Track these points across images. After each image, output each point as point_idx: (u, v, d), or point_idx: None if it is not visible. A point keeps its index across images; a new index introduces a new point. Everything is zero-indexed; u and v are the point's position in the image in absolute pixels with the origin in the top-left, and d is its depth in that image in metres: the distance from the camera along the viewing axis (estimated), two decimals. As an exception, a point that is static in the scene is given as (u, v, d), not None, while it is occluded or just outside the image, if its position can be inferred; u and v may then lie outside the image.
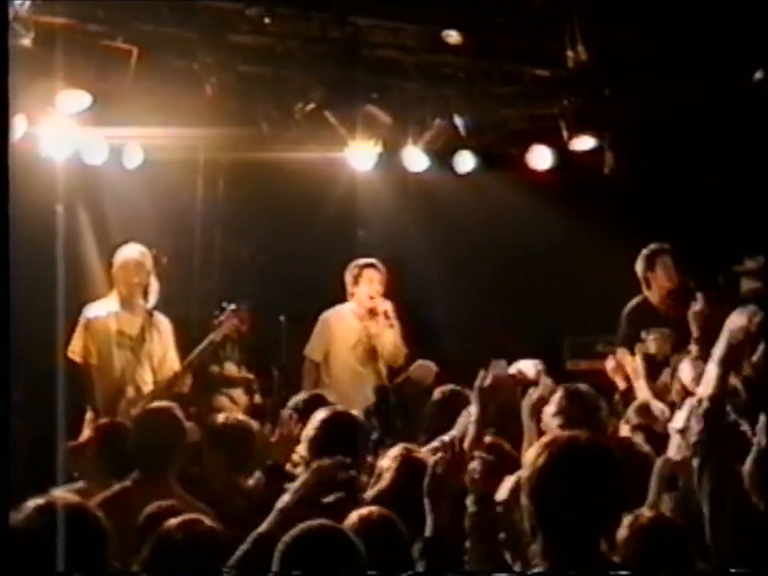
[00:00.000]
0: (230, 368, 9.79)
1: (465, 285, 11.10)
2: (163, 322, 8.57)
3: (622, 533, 4.37)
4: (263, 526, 4.55)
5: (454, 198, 10.55)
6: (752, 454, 5.05)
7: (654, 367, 8.53)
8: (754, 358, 6.53)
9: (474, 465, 4.64)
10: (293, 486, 4.75)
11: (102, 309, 8.51)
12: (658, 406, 6.92)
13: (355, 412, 6.73)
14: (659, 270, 8.86)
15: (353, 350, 9.16)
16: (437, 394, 7.18)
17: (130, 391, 8.32)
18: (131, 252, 8.52)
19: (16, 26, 7.51)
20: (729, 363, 4.77)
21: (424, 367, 8.70)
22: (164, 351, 8.51)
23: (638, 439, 6.44)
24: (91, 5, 7.97)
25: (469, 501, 4.55)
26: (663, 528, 4.39)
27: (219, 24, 8.37)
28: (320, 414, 5.75)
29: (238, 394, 9.62)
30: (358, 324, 9.20)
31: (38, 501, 3.68)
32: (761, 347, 5.90)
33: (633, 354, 8.72)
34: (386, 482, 5.47)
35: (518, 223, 10.47)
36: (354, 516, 4.46)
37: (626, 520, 4.44)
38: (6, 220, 4.18)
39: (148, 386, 8.40)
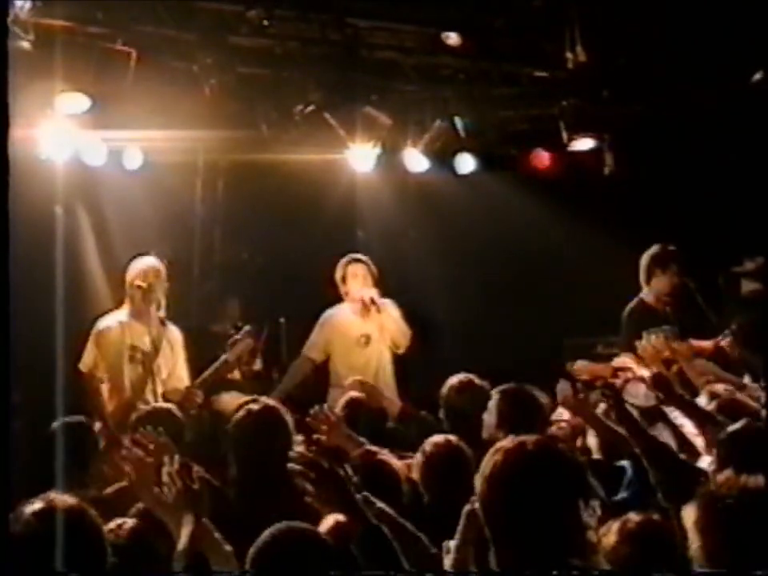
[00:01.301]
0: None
1: (464, 286, 11.08)
2: (174, 333, 8.45)
3: (611, 538, 4.36)
4: None
5: (453, 199, 10.59)
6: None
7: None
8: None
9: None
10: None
11: (114, 321, 8.33)
12: None
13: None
14: (665, 273, 8.86)
15: (357, 345, 9.17)
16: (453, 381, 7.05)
17: (141, 404, 8.05)
18: (149, 261, 8.38)
19: (16, 28, 7.51)
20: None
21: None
22: (174, 363, 8.39)
23: None
24: (90, 7, 7.96)
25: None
26: (652, 531, 4.36)
27: (219, 26, 8.39)
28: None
29: (237, 395, 9.60)
30: (358, 319, 9.20)
31: (36, 504, 3.69)
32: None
33: (636, 356, 8.74)
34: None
35: (518, 224, 10.48)
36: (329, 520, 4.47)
37: (615, 525, 4.43)
38: (6, 220, 4.15)
39: (159, 399, 8.21)
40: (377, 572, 4.05)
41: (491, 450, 3.62)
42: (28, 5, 7.52)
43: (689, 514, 3.68)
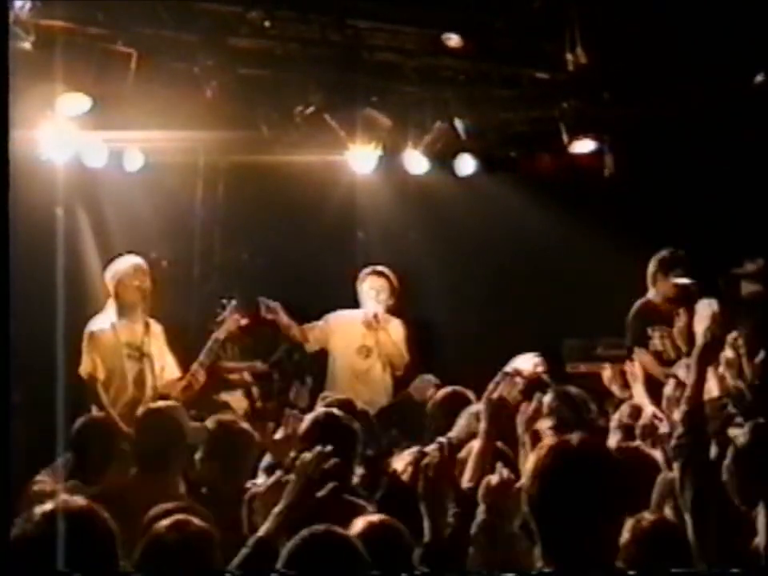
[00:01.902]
0: (233, 368, 9.81)
1: (465, 287, 11.14)
2: (156, 327, 8.54)
3: (624, 536, 4.30)
4: (262, 530, 4.55)
5: (454, 200, 10.61)
6: (730, 453, 5.02)
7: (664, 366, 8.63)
8: (756, 360, 6.58)
9: (491, 477, 4.65)
10: (287, 488, 4.74)
11: (105, 322, 8.41)
12: (650, 410, 6.96)
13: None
14: (669, 277, 8.93)
15: (358, 354, 9.29)
16: (439, 394, 7.22)
17: (144, 400, 8.20)
18: (132, 259, 8.48)
19: (16, 29, 7.51)
20: (705, 362, 4.80)
21: (424, 383, 8.74)
22: (162, 356, 8.49)
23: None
24: (91, 8, 7.96)
25: (479, 510, 4.56)
26: (665, 531, 4.37)
27: (219, 27, 8.39)
28: (312, 414, 5.89)
29: (239, 396, 9.65)
30: (363, 330, 9.30)
31: (47, 505, 3.68)
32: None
33: (647, 350, 8.84)
34: (400, 482, 5.58)
35: (518, 225, 10.51)
36: (359, 522, 4.45)
37: (628, 524, 4.40)
38: (6, 221, 4.13)
39: (156, 393, 8.33)
40: (384, 572, 4.04)
41: (539, 447, 3.72)
42: (28, 6, 7.51)
43: None
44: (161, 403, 7.06)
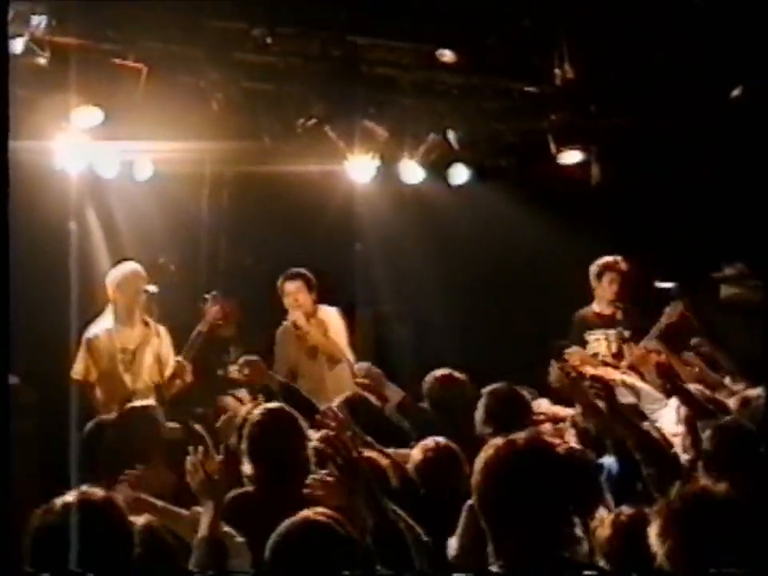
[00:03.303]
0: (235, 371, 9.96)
1: (458, 292, 11.16)
2: (162, 330, 8.59)
3: (605, 531, 4.52)
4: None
5: (448, 208, 10.65)
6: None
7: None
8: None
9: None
10: None
11: (101, 328, 8.44)
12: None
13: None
14: (601, 281, 9.29)
15: (308, 359, 9.18)
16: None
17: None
18: (130, 265, 8.53)
19: (32, 45, 7.68)
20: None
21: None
22: (167, 355, 8.53)
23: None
24: (103, 25, 8.06)
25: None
26: (644, 525, 4.19)
27: (224, 43, 8.51)
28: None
29: (243, 394, 9.57)
30: (298, 336, 9.21)
31: (65, 497, 3.75)
32: None
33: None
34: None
35: (509, 232, 10.53)
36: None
37: (608, 519, 4.59)
38: (6, 221, 4.16)
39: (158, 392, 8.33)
40: (382, 571, 4.06)
41: (484, 447, 3.74)
42: (44, 23, 7.66)
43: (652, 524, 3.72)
44: (137, 403, 7.15)
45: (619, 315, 9.15)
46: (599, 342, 9.27)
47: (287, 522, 4.07)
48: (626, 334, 9.03)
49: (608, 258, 9.27)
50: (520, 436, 3.72)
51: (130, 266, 8.53)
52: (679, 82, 9.11)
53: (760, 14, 7.95)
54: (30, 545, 3.70)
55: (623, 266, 9.22)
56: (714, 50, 8.62)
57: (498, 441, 3.73)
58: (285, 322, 9.23)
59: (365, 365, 8.95)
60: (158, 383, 8.33)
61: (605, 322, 9.29)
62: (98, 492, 3.83)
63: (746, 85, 8.97)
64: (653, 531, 3.69)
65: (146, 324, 8.53)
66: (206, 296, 8.89)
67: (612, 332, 9.17)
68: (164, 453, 6.11)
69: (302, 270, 9.18)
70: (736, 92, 8.93)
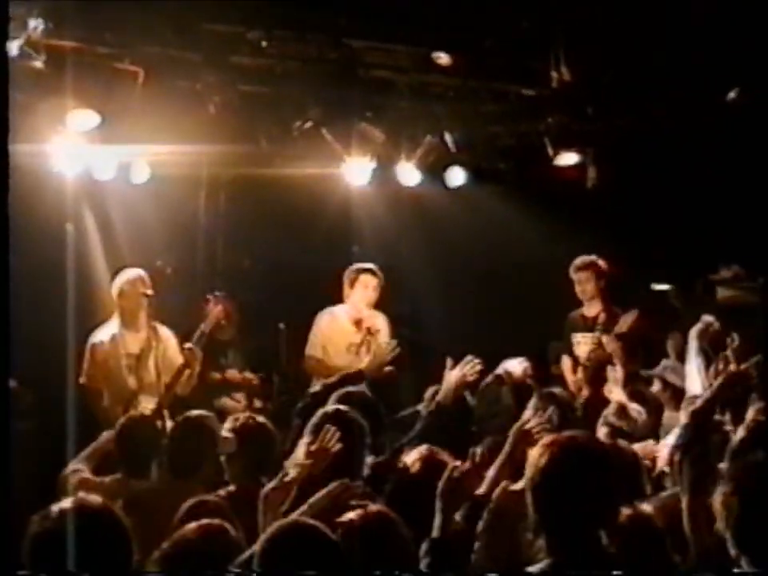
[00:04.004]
0: (232, 374, 9.88)
1: (455, 293, 11.20)
2: (166, 332, 8.63)
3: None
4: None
5: (444, 210, 10.69)
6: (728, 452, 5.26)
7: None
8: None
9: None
10: (310, 501, 4.76)
11: (106, 333, 8.53)
12: (634, 408, 7.22)
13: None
14: (576, 284, 9.44)
15: (347, 353, 9.21)
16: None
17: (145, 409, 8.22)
18: (133, 270, 8.58)
19: (29, 49, 7.64)
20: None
21: None
22: (174, 358, 8.53)
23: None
24: (100, 29, 8.04)
25: (487, 510, 4.61)
26: (640, 526, 4.46)
27: (221, 46, 8.49)
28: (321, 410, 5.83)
29: (241, 397, 9.77)
30: (351, 328, 9.28)
31: (63, 503, 3.75)
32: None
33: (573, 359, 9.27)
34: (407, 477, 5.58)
35: (506, 233, 10.57)
36: (352, 515, 4.45)
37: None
38: (6, 225, 4.22)
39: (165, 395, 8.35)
40: (377, 572, 4.11)
41: (544, 443, 3.91)
42: (41, 27, 7.61)
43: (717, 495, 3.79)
44: (138, 411, 7.32)
45: (601, 318, 9.18)
46: (579, 345, 9.38)
47: (275, 525, 4.13)
48: (603, 338, 9.07)
49: (577, 260, 9.38)
50: (580, 433, 3.94)
51: (133, 273, 8.58)
52: (676, 84, 9.12)
53: (758, 14, 7.97)
54: (28, 551, 3.70)
55: (596, 266, 9.32)
56: (711, 51, 8.63)
57: (560, 436, 3.93)
58: (336, 307, 9.34)
59: None
60: (168, 383, 8.33)
61: (587, 324, 9.39)
62: (95, 498, 3.85)
63: (742, 87, 8.95)
64: (717, 500, 3.76)
65: (154, 328, 8.57)
66: (209, 297, 8.96)
67: (589, 336, 9.25)
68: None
69: (374, 267, 9.32)
70: (732, 94, 8.91)
